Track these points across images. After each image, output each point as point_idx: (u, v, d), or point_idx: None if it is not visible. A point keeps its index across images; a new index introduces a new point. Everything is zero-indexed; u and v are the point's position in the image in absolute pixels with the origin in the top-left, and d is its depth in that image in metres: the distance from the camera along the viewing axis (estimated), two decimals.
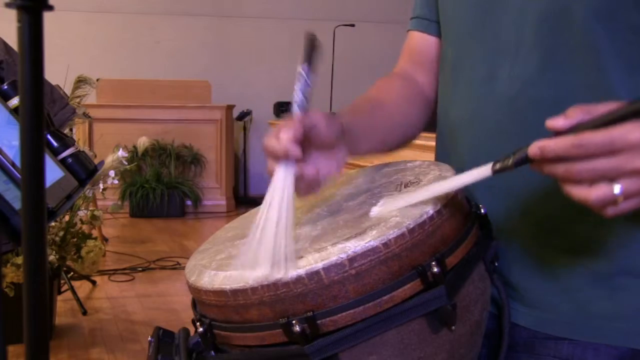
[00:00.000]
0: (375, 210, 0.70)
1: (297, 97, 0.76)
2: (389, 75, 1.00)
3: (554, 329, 0.81)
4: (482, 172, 0.66)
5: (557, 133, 0.61)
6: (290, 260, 0.64)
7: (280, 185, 0.70)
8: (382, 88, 0.97)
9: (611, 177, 0.59)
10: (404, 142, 0.96)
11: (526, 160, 0.62)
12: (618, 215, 0.61)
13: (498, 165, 0.64)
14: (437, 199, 0.69)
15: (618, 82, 0.76)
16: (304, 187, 0.73)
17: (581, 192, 0.60)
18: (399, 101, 0.94)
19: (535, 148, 0.61)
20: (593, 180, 0.59)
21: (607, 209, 0.60)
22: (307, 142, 0.73)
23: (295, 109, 0.75)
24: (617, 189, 0.59)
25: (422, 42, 0.99)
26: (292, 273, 0.63)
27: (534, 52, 0.79)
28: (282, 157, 0.70)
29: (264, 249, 0.66)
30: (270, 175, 0.72)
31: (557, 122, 0.61)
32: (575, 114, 0.60)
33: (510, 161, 0.63)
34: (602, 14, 0.75)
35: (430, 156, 0.88)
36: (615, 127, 0.58)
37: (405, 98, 0.95)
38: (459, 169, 0.79)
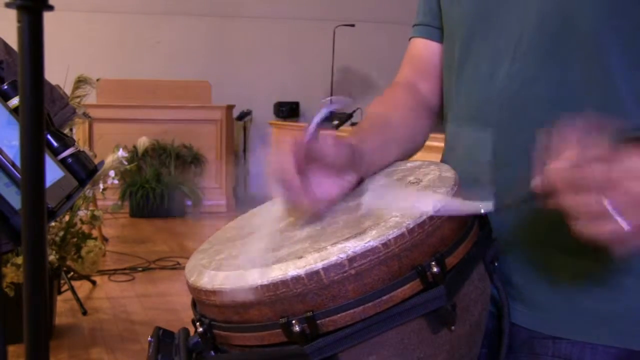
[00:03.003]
0: (366, 201, 0.70)
1: (323, 113, 0.78)
2: (392, 87, 1.00)
3: (552, 329, 0.82)
4: (484, 207, 0.68)
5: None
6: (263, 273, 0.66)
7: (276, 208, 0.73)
8: (389, 103, 0.97)
9: (610, 187, 0.60)
10: (413, 152, 0.96)
11: (531, 197, 0.64)
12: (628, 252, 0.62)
13: (501, 206, 0.67)
14: (436, 199, 0.69)
15: (620, 80, 0.76)
16: (293, 204, 0.75)
17: (594, 228, 0.61)
18: (405, 115, 0.94)
19: (537, 180, 0.62)
20: (594, 187, 0.60)
21: (617, 245, 0.61)
22: (313, 161, 0.74)
23: (313, 126, 0.76)
24: (625, 224, 0.60)
25: (424, 49, 0.99)
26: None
27: (535, 49, 0.79)
28: (283, 187, 0.72)
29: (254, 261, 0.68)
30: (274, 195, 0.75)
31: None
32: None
33: (512, 201, 0.66)
34: (605, 11, 0.75)
35: (431, 156, 0.88)
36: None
37: (411, 111, 0.95)
38: (461, 168, 0.79)
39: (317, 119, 0.77)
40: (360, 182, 0.81)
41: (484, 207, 0.67)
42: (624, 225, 0.59)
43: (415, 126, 0.95)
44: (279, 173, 0.71)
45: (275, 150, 0.72)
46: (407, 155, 0.94)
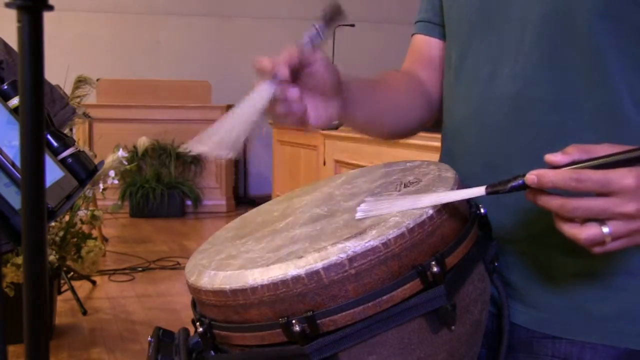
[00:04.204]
0: (360, 213, 0.70)
1: (305, 39, 0.77)
2: (393, 69, 1.01)
3: (552, 329, 0.82)
4: (476, 191, 0.68)
5: (554, 167, 0.63)
6: (235, 144, 0.70)
7: (256, 95, 0.72)
8: (388, 73, 0.98)
9: (602, 218, 0.62)
10: (401, 131, 0.96)
11: (522, 187, 0.65)
12: (604, 254, 0.65)
13: (493, 189, 0.67)
14: (431, 199, 0.69)
15: (619, 81, 0.76)
16: (283, 111, 0.74)
17: (572, 230, 0.64)
18: (402, 88, 0.95)
19: (532, 176, 0.64)
20: (585, 218, 0.63)
21: (596, 247, 0.64)
22: (302, 79, 0.74)
23: (300, 43, 0.76)
24: (606, 229, 0.62)
25: (426, 44, 0.99)
26: (223, 151, 0.69)
27: (536, 51, 0.79)
28: (268, 75, 0.72)
29: (215, 131, 0.71)
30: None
31: (555, 157, 0.64)
32: (573, 152, 0.63)
33: (506, 186, 0.66)
34: (605, 13, 0.75)
35: (431, 156, 0.88)
36: (612, 170, 0.61)
37: (407, 88, 0.96)
38: (461, 168, 0.79)
39: (306, 38, 0.77)
40: (341, 112, 0.80)
41: (476, 191, 0.67)
42: (606, 231, 0.62)
43: (408, 103, 0.95)
44: (269, 65, 0.71)
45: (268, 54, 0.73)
46: (397, 130, 0.94)
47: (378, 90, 0.90)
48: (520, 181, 0.64)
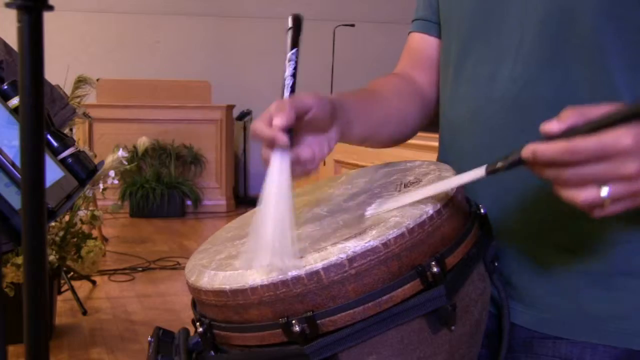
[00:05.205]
0: (369, 212, 0.70)
1: (288, 80, 0.75)
2: (386, 75, 1.00)
3: (552, 329, 0.82)
4: (476, 173, 0.66)
5: (550, 137, 0.61)
6: (288, 251, 0.64)
7: (277, 176, 0.69)
8: (379, 83, 0.97)
9: (600, 181, 0.59)
10: (399, 138, 0.95)
11: (519, 162, 0.63)
12: (605, 217, 0.61)
13: (492, 167, 0.65)
14: (436, 199, 0.69)
15: (621, 81, 0.76)
16: (299, 170, 0.72)
17: (570, 194, 0.61)
18: (395, 95, 0.94)
19: (528, 152, 0.61)
20: (582, 184, 0.60)
21: (595, 210, 0.61)
22: (300, 125, 0.72)
23: (287, 92, 0.74)
24: (604, 192, 0.59)
25: (422, 43, 0.99)
26: (292, 263, 0.63)
27: (536, 51, 0.79)
28: (270, 145, 0.70)
29: (264, 241, 0.65)
30: (266, 163, 0.70)
31: (551, 126, 0.61)
32: (569, 117, 0.61)
33: (503, 163, 0.64)
34: (607, 12, 0.75)
35: (430, 156, 0.88)
36: (607, 133, 0.58)
37: (401, 94, 0.95)
38: (460, 168, 0.79)
39: (288, 72, 0.75)
40: (340, 136, 0.78)
41: (476, 173, 0.66)
42: (605, 194, 0.59)
43: (404, 108, 0.94)
44: (269, 136, 0.68)
45: (262, 116, 0.70)
46: (394, 137, 0.93)
47: (371, 104, 0.89)
48: (516, 157, 0.62)
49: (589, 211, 0.61)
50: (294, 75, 0.76)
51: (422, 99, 0.97)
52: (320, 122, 0.74)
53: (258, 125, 0.69)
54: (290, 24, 0.79)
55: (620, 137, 0.57)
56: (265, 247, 0.64)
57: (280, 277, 0.63)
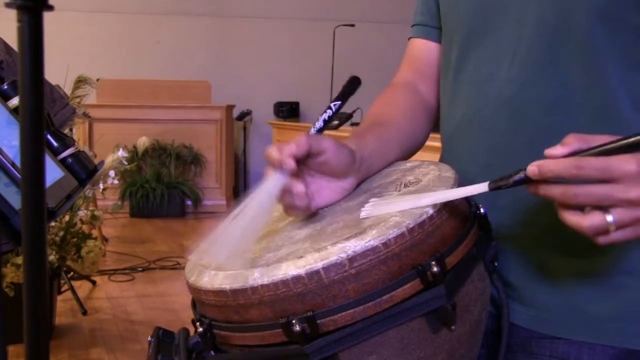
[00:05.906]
0: (364, 213, 0.70)
1: (319, 122, 0.81)
2: (392, 87, 1.00)
3: (550, 329, 0.82)
4: (479, 188, 0.67)
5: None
6: (243, 257, 0.69)
7: (265, 193, 0.73)
8: (389, 103, 0.97)
9: (605, 205, 0.61)
10: (413, 152, 0.96)
11: (525, 180, 0.64)
12: (610, 245, 0.63)
13: (494, 184, 0.66)
14: (432, 198, 0.69)
15: (617, 83, 0.76)
16: (288, 200, 0.75)
17: (575, 219, 0.62)
18: (405, 119, 0.94)
19: (533, 167, 0.62)
20: (588, 205, 0.61)
21: (600, 237, 0.62)
22: (309, 163, 0.75)
23: (312, 131, 0.80)
24: (610, 217, 0.61)
25: (423, 48, 0.99)
26: (240, 268, 0.67)
27: (533, 53, 0.80)
28: (276, 167, 0.72)
29: (229, 241, 0.71)
30: (264, 177, 0.74)
31: (555, 150, 0.63)
32: (572, 142, 0.62)
33: (507, 182, 0.65)
34: (603, 14, 0.75)
35: (430, 156, 0.88)
36: (613, 156, 0.60)
37: (411, 111, 0.95)
38: (460, 169, 0.79)
39: (322, 116, 0.81)
40: (355, 188, 0.81)
41: (479, 188, 0.67)
42: (610, 219, 0.61)
43: (415, 126, 0.95)
44: (277, 158, 0.72)
45: (280, 144, 0.73)
46: (407, 155, 0.94)
47: (388, 140, 0.90)
48: (522, 175, 0.64)
49: (594, 237, 0.62)
50: (325, 121, 0.82)
51: (428, 109, 0.98)
52: (335, 169, 0.77)
53: (272, 149, 0.73)
54: (347, 81, 0.86)
55: (626, 161, 0.60)
56: (227, 246, 0.70)
57: (280, 277, 0.63)
